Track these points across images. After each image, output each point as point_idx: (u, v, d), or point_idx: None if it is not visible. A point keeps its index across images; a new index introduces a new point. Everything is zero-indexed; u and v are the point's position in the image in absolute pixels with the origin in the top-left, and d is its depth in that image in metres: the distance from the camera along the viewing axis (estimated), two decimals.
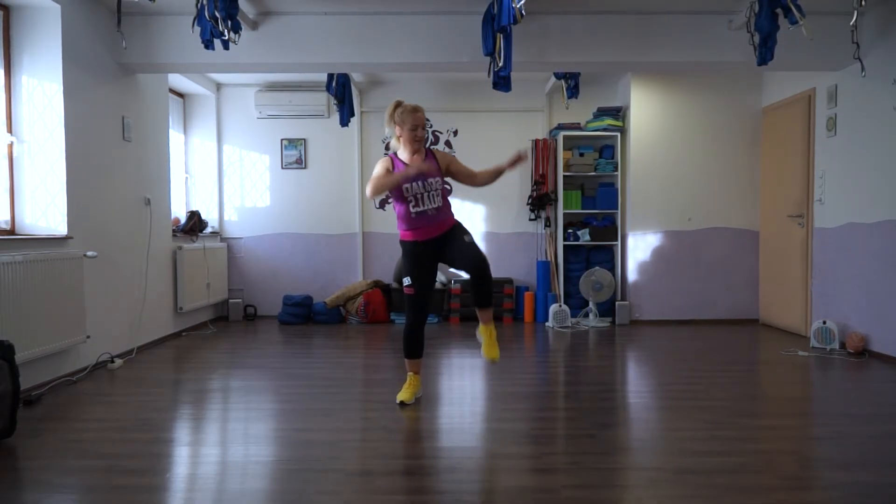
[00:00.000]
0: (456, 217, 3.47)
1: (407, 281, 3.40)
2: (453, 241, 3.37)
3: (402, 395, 3.46)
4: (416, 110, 3.35)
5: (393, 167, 3.34)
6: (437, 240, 3.38)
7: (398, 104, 3.39)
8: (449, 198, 3.48)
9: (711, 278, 6.35)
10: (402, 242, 3.45)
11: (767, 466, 2.56)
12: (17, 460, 2.69)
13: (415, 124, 3.32)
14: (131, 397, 3.67)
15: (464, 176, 3.50)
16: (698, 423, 3.13)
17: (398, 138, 3.41)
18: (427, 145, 3.48)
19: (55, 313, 3.80)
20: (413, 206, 3.31)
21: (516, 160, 3.34)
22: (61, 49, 4.01)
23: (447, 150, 6.77)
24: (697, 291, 6.35)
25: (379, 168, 3.36)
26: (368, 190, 3.26)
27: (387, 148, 6.96)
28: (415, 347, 3.49)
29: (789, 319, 5.81)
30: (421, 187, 3.29)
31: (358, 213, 6.84)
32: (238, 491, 2.37)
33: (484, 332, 3.41)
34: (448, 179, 3.54)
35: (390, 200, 3.43)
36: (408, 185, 3.28)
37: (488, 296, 3.35)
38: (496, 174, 3.43)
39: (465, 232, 3.41)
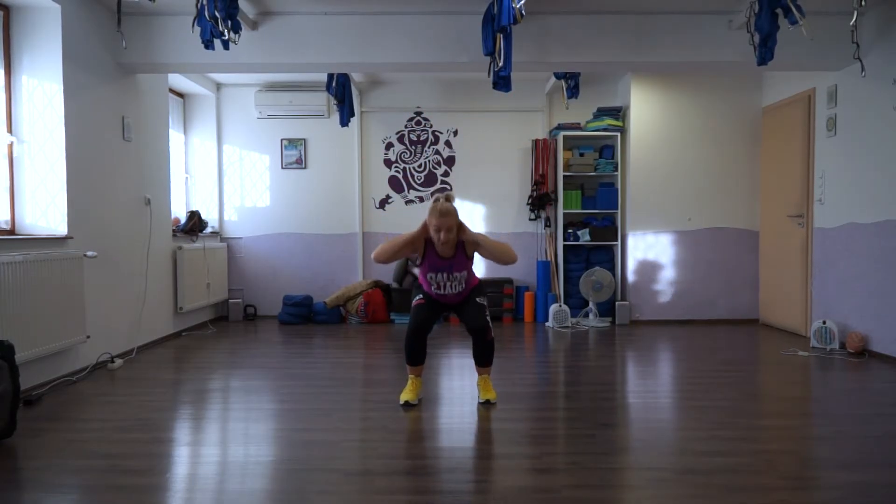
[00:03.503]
0: (477, 277, 3.58)
1: (419, 297, 3.54)
2: (467, 304, 3.51)
3: (406, 395, 3.46)
4: (443, 214, 3.22)
5: (423, 251, 3.37)
6: (455, 304, 3.56)
7: (436, 199, 3.30)
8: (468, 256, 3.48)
9: (711, 278, 6.35)
10: (420, 286, 3.59)
11: (768, 466, 2.56)
12: (17, 460, 2.68)
13: (438, 227, 3.23)
14: (131, 397, 3.67)
15: (488, 253, 3.38)
16: (698, 423, 3.13)
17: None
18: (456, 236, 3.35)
19: (55, 313, 3.80)
20: (435, 288, 3.46)
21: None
22: (61, 49, 4.01)
23: (447, 150, 6.77)
24: (697, 291, 6.35)
25: (405, 235, 3.32)
26: (375, 254, 3.30)
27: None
28: (417, 354, 3.48)
29: (789, 319, 5.81)
30: (445, 278, 3.42)
31: (358, 213, 6.84)
32: (238, 491, 2.37)
33: (479, 382, 3.58)
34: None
35: (417, 264, 3.47)
36: (432, 274, 3.41)
37: (486, 358, 3.53)
38: (490, 245, 3.37)
39: (480, 293, 3.53)
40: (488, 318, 3.47)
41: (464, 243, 3.39)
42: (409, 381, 3.52)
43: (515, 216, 6.85)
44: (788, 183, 5.80)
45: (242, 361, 4.68)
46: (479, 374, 3.58)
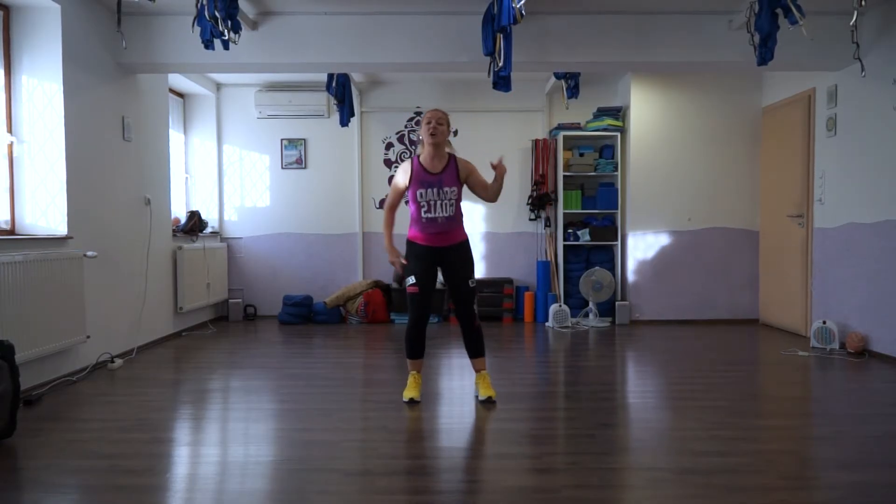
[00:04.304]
0: (466, 231, 3.58)
1: (411, 280, 3.47)
2: (456, 272, 3.49)
3: (410, 392, 3.49)
4: (435, 110, 3.51)
5: (412, 170, 3.45)
6: (443, 250, 3.49)
7: None
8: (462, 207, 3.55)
9: (711, 278, 6.35)
10: (409, 242, 3.54)
11: (768, 466, 2.56)
12: (17, 460, 2.68)
13: (429, 118, 3.44)
14: (131, 397, 3.67)
15: (480, 188, 3.54)
16: (698, 423, 3.13)
17: (422, 142, 3.54)
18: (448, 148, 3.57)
19: (55, 313, 3.80)
20: (425, 212, 3.42)
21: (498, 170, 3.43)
22: (61, 49, 4.01)
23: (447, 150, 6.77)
24: (697, 291, 6.35)
25: (397, 176, 3.52)
26: (384, 210, 3.56)
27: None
28: (417, 347, 3.52)
29: (789, 319, 5.81)
30: (435, 194, 3.39)
31: (358, 213, 6.84)
32: (238, 491, 2.37)
33: (478, 379, 3.58)
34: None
35: (406, 201, 3.50)
36: (422, 191, 3.39)
37: (477, 348, 3.55)
38: (498, 184, 3.46)
39: (471, 271, 3.51)
40: (475, 307, 3.53)
41: (456, 161, 3.48)
42: (411, 378, 3.54)
43: (515, 216, 6.85)
44: (788, 183, 5.80)
45: (242, 361, 4.68)
46: (476, 370, 3.59)
